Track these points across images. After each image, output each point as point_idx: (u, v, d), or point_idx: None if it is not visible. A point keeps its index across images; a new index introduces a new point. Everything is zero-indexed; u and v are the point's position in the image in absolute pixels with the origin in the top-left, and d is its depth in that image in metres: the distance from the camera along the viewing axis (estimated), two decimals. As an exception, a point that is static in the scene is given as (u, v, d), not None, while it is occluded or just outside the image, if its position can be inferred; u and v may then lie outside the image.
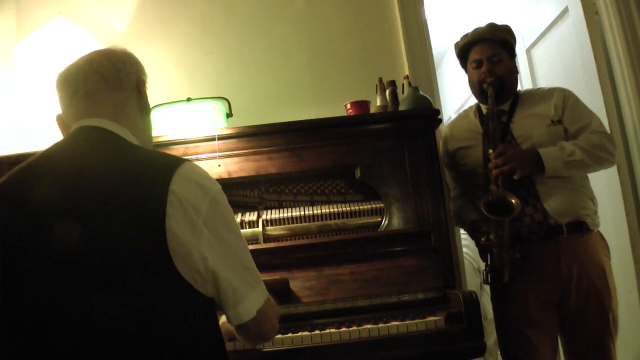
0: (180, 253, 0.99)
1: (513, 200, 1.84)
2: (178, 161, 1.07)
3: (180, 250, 0.99)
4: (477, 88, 2.12)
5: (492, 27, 2.12)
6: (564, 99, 2.05)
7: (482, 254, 2.01)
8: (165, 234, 0.98)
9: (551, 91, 2.11)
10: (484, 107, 2.17)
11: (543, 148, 1.95)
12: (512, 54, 2.15)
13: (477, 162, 2.08)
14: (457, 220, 2.24)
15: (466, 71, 2.22)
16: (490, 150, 1.96)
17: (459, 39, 2.21)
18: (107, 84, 1.17)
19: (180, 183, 1.02)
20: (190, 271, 1.01)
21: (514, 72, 2.14)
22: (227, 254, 1.07)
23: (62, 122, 1.22)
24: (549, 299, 1.94)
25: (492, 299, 2.11)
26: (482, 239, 1.94)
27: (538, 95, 2.13)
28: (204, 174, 1.09)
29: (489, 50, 2.09)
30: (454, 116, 4.80)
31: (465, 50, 2.17)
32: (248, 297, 1.11)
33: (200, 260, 1.01)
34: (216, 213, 1.07)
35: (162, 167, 1.05)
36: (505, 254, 1.88)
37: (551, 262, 1.93)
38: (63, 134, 1.21)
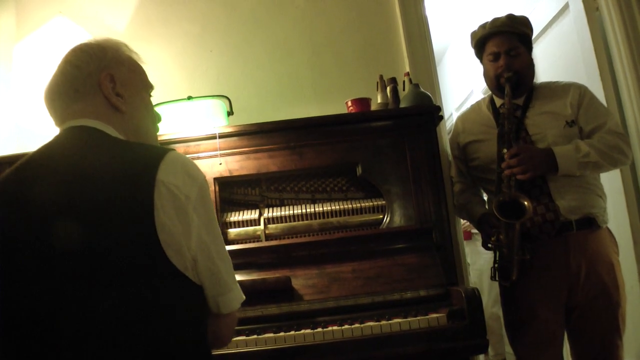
0: (172, 243, 1.00)
1: (526, 203, 1.82)
2: (163, 151, 1.07)
3: (171, 240, 1.00)
4: (494, 81, 2.09)
5: (511, 19, 2.08)
6: (580, 96, 2.03)
7: (487, 244, 2.02)
8: (155, 226, 0.98)
9: (567, 87, 2.08)
10: (497, 100, 2.15)
11: (558, 147, 1.93)
12: (530, 48, 2.12)
13: (489, 157, 2.06)
14: (463, 212, 2.23)
15: (481, 62, 2.19)
16: (505, 150, 1.94)
17: (476, 29, 2.17)
18: (68, 99, 1.17)
19: (167, 172, 1.03)
20: (183, 260, 1.02)
21: (530, 66, 2.10)
22: (215, 242, 1.09)
23: None
24: (556, 296, 1.93)
25: (501, 296, 2.10)
26: (493, 239, 1.93)
27: (554, 90, 2.10)
28: (189, 162, 1.10)
29: (507, 44, 2.05)
30: (455, 113, 4.82)
31: (482, 41, 2.14)
32: (234, 288, 1.14)
33: (189, 249, 1.03)
34: (204, 201, 1.08)
35: (148, 158, 1.06)
36: (515, 254, 1.87)
37: (559, 258, 1.93)
38: None
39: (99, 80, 1.17)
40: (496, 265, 1.95)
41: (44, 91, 1.21)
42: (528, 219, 1.86)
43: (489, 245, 1.99)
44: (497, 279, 1.95)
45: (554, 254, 1.93)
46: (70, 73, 1.18)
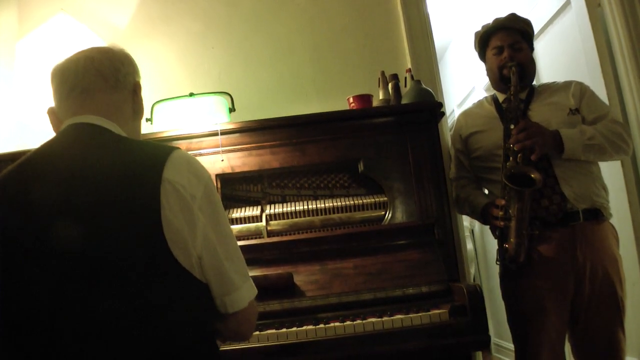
0: (178, 242, 1.00)
1: (534, 175, 1.85)
2: (169, 150, 1.07)
3: (178, 238, 0.99)
4: (497, 74, 2.14)
5: (514, 16, 2.16)
6: (581, 89, 2.09)
7: (494, 231, 2.01)
8: (161, 225, 0.98)
9: (567, 83, 2.14)
10: (500, 96, 2.18)
11: (564, 129, 1.96)
12: (531, 47, 2.18)
13: (492, 145, 2.08)
14: (465, 206, 2.21)
15: (484, 61, 2.24)
16: (512, 126, 1.97)
17: (479, 28, 2.23)
18: (105, 83, 1.17)
19: (173, 171, 1.03)
20: (189, 259, 1.01)
21: (532, 63, 2.16)
22: (223, 240, 1.09)
23: (54, 116, 1.21)
24: (563, 288, 1.92)
25: (503, 289, 2.09)
26: (500, 213, 1.92)
27: (554, 87, 2.16)
28: (194, 161, 1.11)
29: (511, 38, 2.11)
30: (457, 110, 4.81)
31: (486, 37, 2.19)
32: (242, 287, 1.13)
33: (194, 248, 1.02)
34: (210, 200, 1.08)
35: (154, 156, 1.06)
36: (524, 229, 1.87)
37: (567, 250, 1.93)
38: (54, 128, 1.20)
39: (135, 84, 1.23)
40: (505, 245, 1.92)
41: (64, 67, 1.19)
42: (536, 189, 1.87)
43: (497, 223, 1.96)
44: (505, 261, 1.93)
45: (561, 245, 1.93)
46: (114, 63, 1.20)
